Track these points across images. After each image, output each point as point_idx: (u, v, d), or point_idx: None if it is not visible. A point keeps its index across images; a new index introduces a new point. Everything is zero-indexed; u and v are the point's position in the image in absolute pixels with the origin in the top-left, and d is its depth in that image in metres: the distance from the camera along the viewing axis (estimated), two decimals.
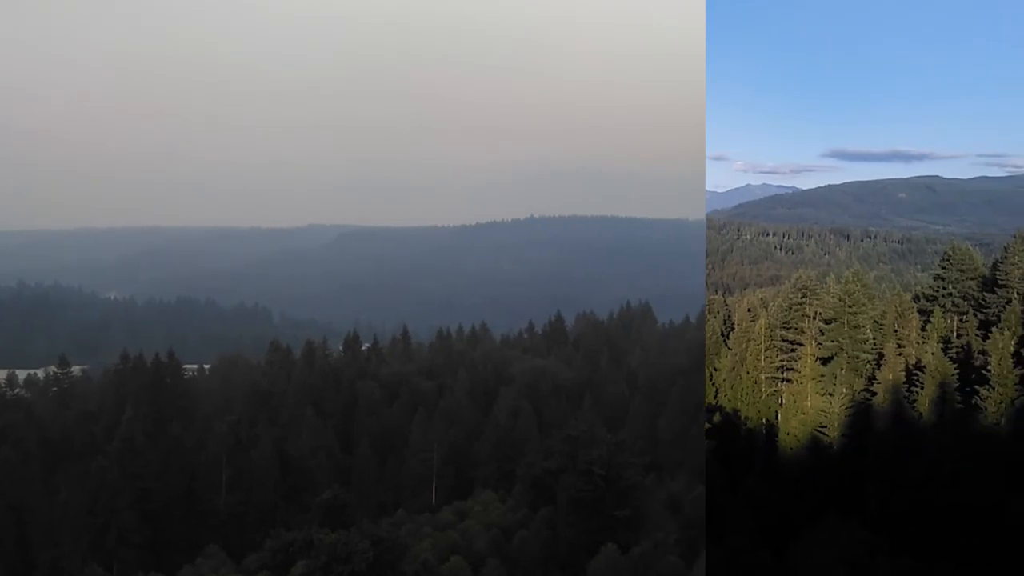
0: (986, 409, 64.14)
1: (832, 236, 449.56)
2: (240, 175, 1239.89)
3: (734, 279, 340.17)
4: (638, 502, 63.45)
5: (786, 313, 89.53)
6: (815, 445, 73.80)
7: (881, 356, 74.30)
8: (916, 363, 71.96)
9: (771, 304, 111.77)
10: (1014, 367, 64.92)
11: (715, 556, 55.11)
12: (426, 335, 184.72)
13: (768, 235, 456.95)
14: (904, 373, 70.46)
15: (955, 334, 79.90)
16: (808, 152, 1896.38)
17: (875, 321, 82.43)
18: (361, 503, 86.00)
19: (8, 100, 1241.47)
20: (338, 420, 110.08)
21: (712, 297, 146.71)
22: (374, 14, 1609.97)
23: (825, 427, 73.70)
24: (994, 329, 69.87)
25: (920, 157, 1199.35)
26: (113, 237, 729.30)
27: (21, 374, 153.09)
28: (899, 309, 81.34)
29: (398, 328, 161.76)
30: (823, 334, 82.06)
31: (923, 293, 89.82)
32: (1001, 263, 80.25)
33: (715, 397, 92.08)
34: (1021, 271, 77.55)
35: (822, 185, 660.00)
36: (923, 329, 78.23)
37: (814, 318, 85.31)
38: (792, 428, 77.62)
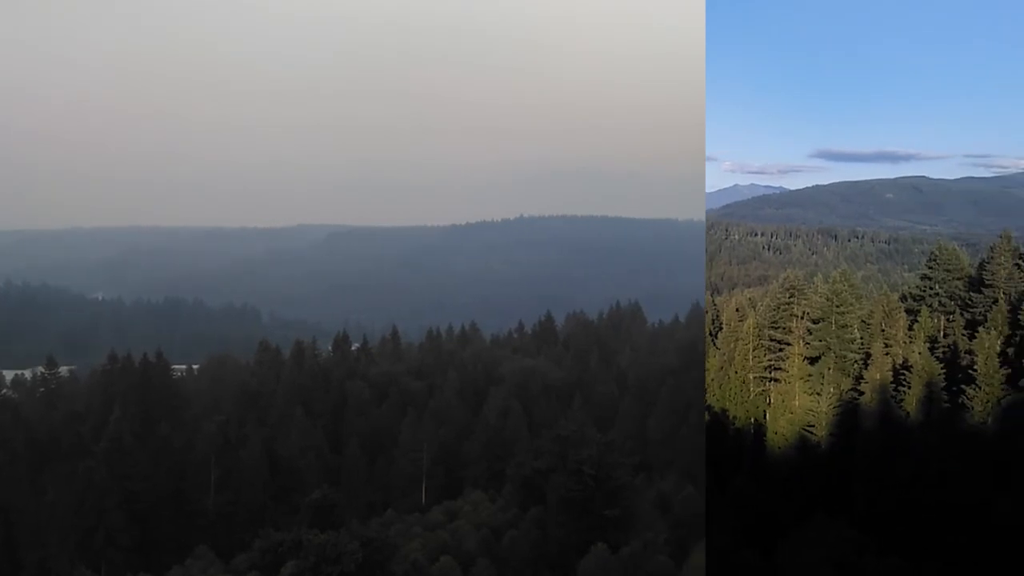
0: (973, 408, 64.68)
1: (820, 236, 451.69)
2: (239, 175, 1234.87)
3: (722, 279, 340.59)
4: (628, 502, 63.53)
5: (774, 313, 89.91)
6: (803, 444, 74.11)
7: (868, 356, 74.72)
8: (903, 363, 72.38)
9: (759, 304, 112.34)
10: (1000, 367, 65.49)
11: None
12: (416, 335, 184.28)
13: (756, 235, 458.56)
14: (891, 372, 70.87)
15: (942, 334, 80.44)
16: (795, 152, 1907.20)
17: (862, 321, 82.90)
18: (350, 503, 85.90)
19: (8, 100, 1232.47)
20: (327, 420, 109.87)
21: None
22: (374, 14, 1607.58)
23: (813, 426, 74.05)
24: (980, 329, 70.42)
25: (907, 158, 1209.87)
26: (101, 237, 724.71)
27: (8, 375, 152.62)
28: (886, 309, 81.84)
29: (388, 328, 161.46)
30: (811, 334, 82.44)
31: (910, 293, 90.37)
32: (987, 263, 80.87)
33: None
34: (1007, 271, 78.20)
35: (810, 185, 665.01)
36: (910, 329, 78.73)
37: (802, 318, 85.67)
38: (780, 427, 77.90)
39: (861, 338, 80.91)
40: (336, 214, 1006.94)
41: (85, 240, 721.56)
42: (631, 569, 54.65)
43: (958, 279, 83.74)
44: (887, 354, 73.42)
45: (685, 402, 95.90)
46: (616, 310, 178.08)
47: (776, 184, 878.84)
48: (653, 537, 57.80)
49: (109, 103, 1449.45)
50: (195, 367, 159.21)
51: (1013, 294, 75.90)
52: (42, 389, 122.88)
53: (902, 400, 68.13)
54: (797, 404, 78.78)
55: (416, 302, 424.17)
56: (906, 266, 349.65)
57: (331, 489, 72.43)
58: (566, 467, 63.67)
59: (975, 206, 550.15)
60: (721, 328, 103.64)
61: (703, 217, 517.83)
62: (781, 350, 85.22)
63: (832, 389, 75.58)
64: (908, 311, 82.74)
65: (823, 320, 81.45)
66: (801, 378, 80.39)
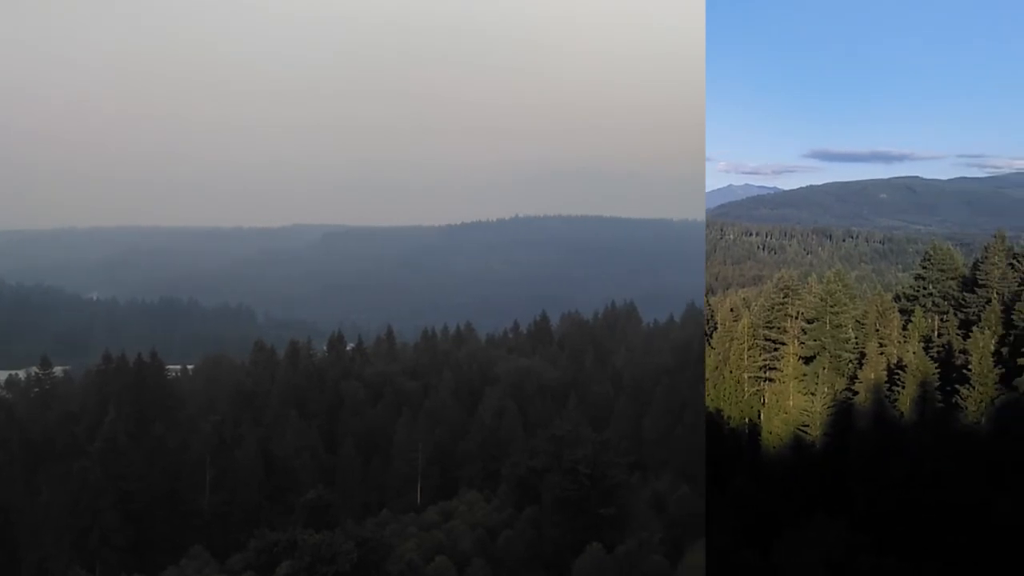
0: (967, 408, 64.87)
1: (814, 236, 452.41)
2: (239, 175, 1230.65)
3: (717, 279, 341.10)
4: (623, 501, 63.70)
5: (768, 313, 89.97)
6: (797, 444, 74.12)
7: (863, 355, 74.91)
8: (897, 362, 72.49)
9: (754, 304, 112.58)
10: (994, 366, 65.71)
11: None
12: (411, 335, 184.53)
13: (751, 235, 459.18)
14: (885, 372, 70.97)
15: (936, 333, 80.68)
16: (790, 153, 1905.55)
17: (857, 321, 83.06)
18: (345, 503, 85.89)
19: (8, 100, 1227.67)
20: (322, 420, 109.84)
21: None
22: (374, 14, 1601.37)
23: (807, 426, 74.04)
24: (975, 328, 70.73)
25: (900, 158, 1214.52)
26: (98, 237, 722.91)
27: (2, 375, 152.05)
28: (880, 309, 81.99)
29: (383, 328, 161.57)
30: (805, 333, 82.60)
31: (904, 293, 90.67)
32: (981, 263, 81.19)
33: None
34: (1001, 271, 78.48)
35: (804, 186, 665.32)
36: (904, 329, 78.89)
37: (796, 318, 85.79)
38: (774, 427, 77.95)
39: (855, 338, 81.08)
40: (333, 214, 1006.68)
41: (81, 240, 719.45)
42: (626, 568, 54.76)
43: (952, 279, 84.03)
44: (881, 354, 73.57)
45: (680, 402, 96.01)
46: (611, 310, 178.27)
47: (770, 184, 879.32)
48: (648, 536, 57.90)
49: (109, 103, 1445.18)
50: (190, 367, 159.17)
51: (1007, 294, 76.18)
52: (36, 389, 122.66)
53: (896, 400, 68.21)
54: (791, 404, 78.83)
55: (414, 302, 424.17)
56: (900, 266, 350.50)
57: (326, 489, 72.50)
58: (561, 467, 63.77)
59: (969, 206, 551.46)
60: (716, 328, 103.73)
61: (702, 217, 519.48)
62: (776, 350, 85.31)
63: (826, 389, 75.62)
64: (902, 311, 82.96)
65: (817, 320, 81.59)
66: (795, 378, 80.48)
